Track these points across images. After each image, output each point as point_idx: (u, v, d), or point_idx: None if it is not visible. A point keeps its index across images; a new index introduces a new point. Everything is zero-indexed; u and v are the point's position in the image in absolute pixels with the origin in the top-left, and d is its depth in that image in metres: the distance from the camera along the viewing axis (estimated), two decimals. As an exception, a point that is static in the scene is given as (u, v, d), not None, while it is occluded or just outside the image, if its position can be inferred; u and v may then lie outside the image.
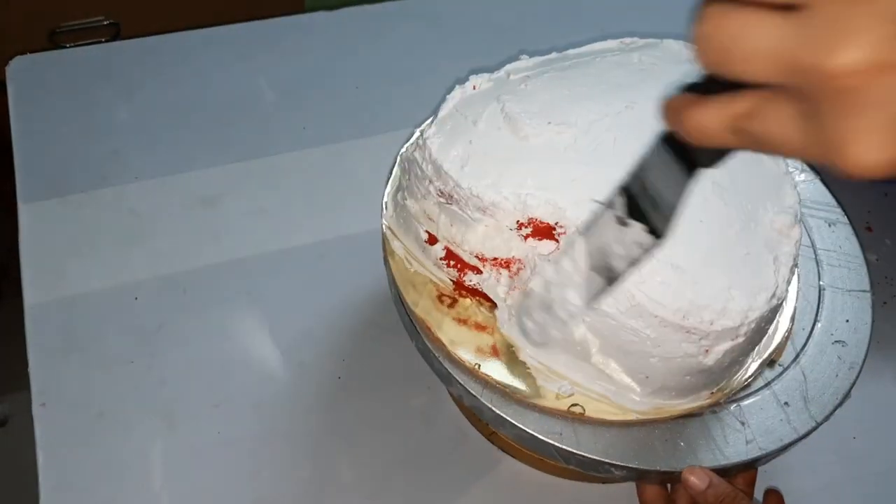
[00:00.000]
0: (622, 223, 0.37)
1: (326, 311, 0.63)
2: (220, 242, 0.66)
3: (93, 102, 0.74)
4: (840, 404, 0.49)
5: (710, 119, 0.27)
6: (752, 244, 0.45)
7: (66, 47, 0.81)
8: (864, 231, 0.72)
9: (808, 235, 0.57)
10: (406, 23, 0.84)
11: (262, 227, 0.67)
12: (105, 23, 1.14)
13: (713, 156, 0.31)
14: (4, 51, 0.79)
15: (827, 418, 0.48)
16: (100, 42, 0.94)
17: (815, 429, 0.47)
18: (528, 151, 0.47)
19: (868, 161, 0.22)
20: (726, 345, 0.44)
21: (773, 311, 0.46)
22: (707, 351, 0.44)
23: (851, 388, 0.49)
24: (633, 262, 0.37)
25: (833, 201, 0.59)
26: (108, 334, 0.60)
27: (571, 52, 0.54)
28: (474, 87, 0.51)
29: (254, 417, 0.57)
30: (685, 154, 0.32)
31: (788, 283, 0.46)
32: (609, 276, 0.39)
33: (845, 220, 0.58)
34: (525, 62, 0.53)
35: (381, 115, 0.75)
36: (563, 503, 0.56)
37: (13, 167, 0.69)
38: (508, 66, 0.53)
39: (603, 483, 0.56)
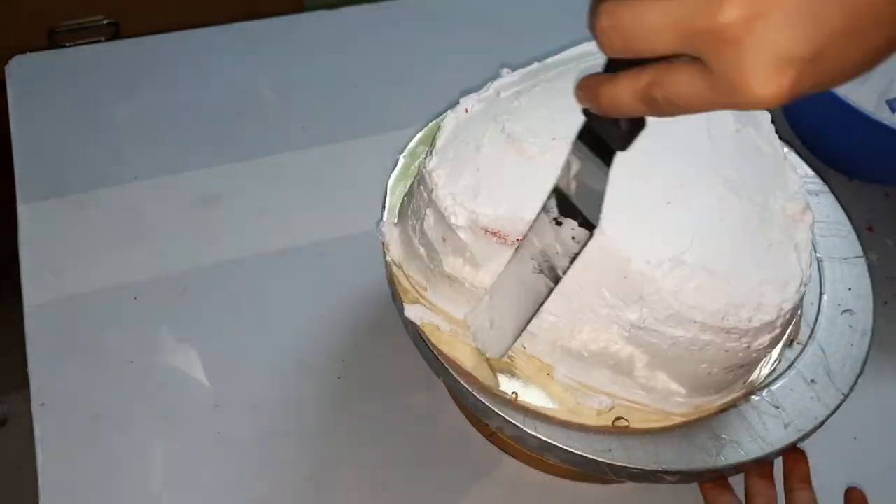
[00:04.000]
0: (557, 223, 0.39)
1: (326, 311, 0.63)
2: (220, 242, 0.66)
3: (93, 102, 0.74)
4: (861, 373, 0.49)
5: (622, 91, 0.31)
6: (772, 235, 0.45)
7: (65, 47, 0.81)
8: (865, 231, 0.72)
9: None
10: (406, 22, 0.84)
11: (262, 227, 0.67)
12: (104, 22, 1.13)
13: (625, 137, 0.34)
14: (4, 51, 0.79)
15: (852, 389, 0.49)
16: (99, 41, 0.94)
17: (843, 401, 0.48)
18: (539, 170, 0.45)
19: (763, 94, 0.27)
20: (765, 338, 0.44)
21: (802, 298, 0.46)
22: (748, 347, 0.44)
23: (867, 355, 0.50)
24: (572, 257, 0.39)
25: (811, 172, 0.59)
26: (108, 334, 0.60)
27: (551, 60, 0.52)
28: (466, 111, 0.49)
29: (253, 417, 0.57)
30: (600, 142, 0.35)
31: (810, 266, 0.46)
32: (554, 277, 0.41)
33: (826, 189, 0.58)
34: (510, 77, 0.51)
35: (381, 115, 0.75)
36: (563, 503, 0.56)
37: (13, 167, 0.69)
38: (496, 84, 0.51)
39: (603, 483, 0.56)
